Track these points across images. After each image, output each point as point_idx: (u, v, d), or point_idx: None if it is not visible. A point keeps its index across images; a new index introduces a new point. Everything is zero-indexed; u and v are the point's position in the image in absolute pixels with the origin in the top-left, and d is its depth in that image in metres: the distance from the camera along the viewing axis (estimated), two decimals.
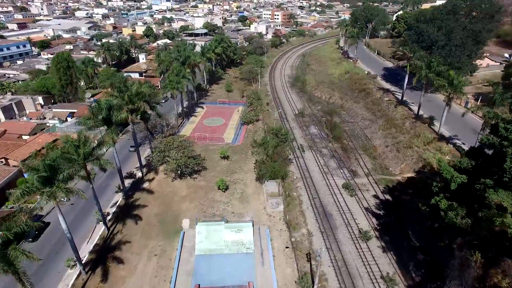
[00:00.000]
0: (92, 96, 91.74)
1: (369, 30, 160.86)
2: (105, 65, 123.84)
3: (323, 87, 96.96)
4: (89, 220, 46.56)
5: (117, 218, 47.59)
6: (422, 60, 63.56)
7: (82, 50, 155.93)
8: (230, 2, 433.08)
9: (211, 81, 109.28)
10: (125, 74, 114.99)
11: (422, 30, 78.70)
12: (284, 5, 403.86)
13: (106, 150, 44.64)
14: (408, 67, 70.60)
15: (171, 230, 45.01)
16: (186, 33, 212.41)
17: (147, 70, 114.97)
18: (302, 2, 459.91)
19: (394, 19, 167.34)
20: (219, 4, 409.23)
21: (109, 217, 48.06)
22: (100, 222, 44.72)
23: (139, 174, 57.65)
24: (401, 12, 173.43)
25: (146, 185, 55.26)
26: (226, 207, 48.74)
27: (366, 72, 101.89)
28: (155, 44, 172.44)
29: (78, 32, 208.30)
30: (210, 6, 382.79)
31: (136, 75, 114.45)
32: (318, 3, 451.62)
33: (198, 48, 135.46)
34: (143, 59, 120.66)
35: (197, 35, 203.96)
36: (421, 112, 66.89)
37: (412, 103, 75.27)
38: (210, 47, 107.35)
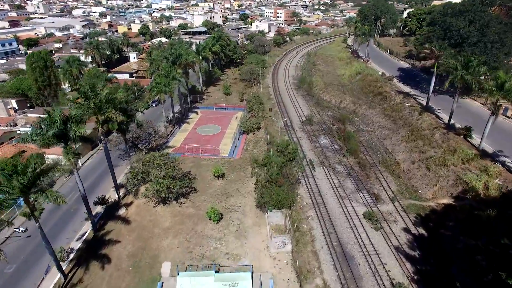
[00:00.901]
0: (74, 100, 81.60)
1: (379, 28, 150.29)
2: (93, 65, 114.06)
3: (332, 89, 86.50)
4: (45, 261, 36.32)
5: (79, 259, 37.41)
6: (456, 59, 53.05)
7: (72, 49, 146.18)
8: (232, 1, 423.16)
9: (207, 83, 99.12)
10: (113, 75, 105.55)
11: (450, 25, 68.18)
12: (286, 4, 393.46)
13: (60, 176, 34.45)
14: (435, 68, 60.11)
15: (146, 279, 34.76)
16: (185, 31, 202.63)
17: (138, 70, 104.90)
18: (305, 1, 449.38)
19: (405, 17, 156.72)
20: (220, 3, 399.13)
21: (72, 255, 38.00)
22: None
23: (115, 197, 47.54)
24: (412, 9, 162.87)
25: (122, 211, 45.08)
26: (218, 245, 38.41)
27: (380, 73, 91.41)
28: (150, 43, 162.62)
29: (71, 31, 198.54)
30: (211, 4, 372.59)
31: (126, 76, 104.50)
32: (322, 2, 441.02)
33: (194, 47, 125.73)
34: (134, 58, 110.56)
35: (195, 33, 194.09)
36: (452, 121, 56.46)
37: (439, 109, 64.83)
38: (206, 45, 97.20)
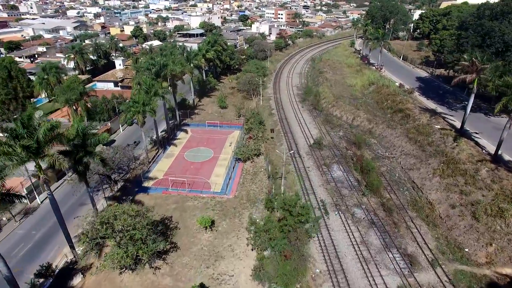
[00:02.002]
0: (45, 115, 70.67)
1: (391, 31, 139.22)
2: (76, 72, 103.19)
3: (343, 103, 75.28)
4: None
5: None
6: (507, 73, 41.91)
7: (58, 53, 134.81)
8: (231, 1, 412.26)
9: (201, 93, 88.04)
10: (95, 84, 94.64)
11: (491, 29, 56.90)
12: (287, 5, 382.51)
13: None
14: (475, 83, 48.92)
15: None
16: (181, 33, 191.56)
17: (124, 78, 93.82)
18: (306, 2, 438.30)
19: (416, 18, 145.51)
20: (219, 3, 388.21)
21: None
22: None
23: (70, 257, 36.49)
24: (423, 9, 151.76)
25: (76, 281, 33.99)
26: None
27: (397, 84, 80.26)
28: (140, 46, 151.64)
29: (61, 32, 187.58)
30: (210, 5, 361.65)
31: (110, 85, 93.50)
32: (324, 3, 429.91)
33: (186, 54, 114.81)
34: (120, 65, 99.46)
35: (192, 35, 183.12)
36: (500, 150, 45.33)
37: (476, 133, 53.72)
38: (199, 51, 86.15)
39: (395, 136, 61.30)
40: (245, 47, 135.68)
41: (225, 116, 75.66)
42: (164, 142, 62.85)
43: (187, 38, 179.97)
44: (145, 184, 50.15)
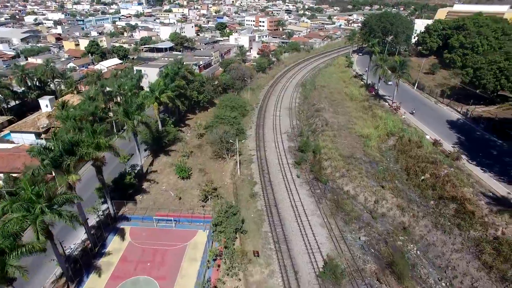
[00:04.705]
0: None
1: (401, 46, 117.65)
2: None
3: (356, 173, 51.74)
4: None
5: None
6: None
7: None
8: (209, 6, 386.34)
9: (156, 150, 62.93)
10: (11, 135, 68.13)
11: None
12: (269, 9, 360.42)
13: None
14: None
15: None
16: (147, 47, 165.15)
17: (49, 127, 67.37)
18: (288, 6, 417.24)
19: (421, 31, 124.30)
20: (196, 8, 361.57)
21: None
22: None
23: None
24: (430, 21, 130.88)
25: None
26: None
27: (429, 138, 57.45)
28: (97, 67, 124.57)
29: (1, 47, 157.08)
30: (186, 10, 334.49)
31: (31, 137, 67.02)
32: (307, 7, 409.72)
33: (148, 79, 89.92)
34: (46, 106, 72.80)
35: (160, 50, 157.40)
36: None
37: None
38: (151, 92, 61.26)
39: (452, 248, 38.13)
40: (220, 71, 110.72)
41: (186, 195, 50.89)
42: (78, 268, 37.64)
43: (154, 54, 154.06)
44: None
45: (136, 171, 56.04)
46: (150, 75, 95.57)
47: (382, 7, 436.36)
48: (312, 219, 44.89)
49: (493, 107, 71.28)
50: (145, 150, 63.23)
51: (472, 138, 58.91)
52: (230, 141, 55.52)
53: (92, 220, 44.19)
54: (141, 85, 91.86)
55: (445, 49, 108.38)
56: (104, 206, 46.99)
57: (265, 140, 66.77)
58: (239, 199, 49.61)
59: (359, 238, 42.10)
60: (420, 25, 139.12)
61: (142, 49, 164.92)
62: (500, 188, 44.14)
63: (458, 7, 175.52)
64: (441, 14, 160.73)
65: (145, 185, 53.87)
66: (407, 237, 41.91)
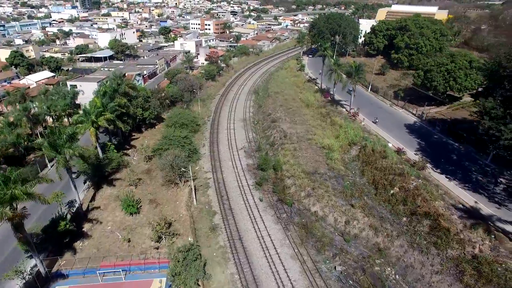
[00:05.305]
0: None
1: (348, 47, 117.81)
2: None
3: (322, 190, 48.27)
4: None
5: None
6: None
7: None
8: (151, 9, 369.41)
9: (97, 182, 54.46)
10: None
11: None
12: (214, 11, 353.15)
13: None
14: None
15: None
16: (84, 56, 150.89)
17: None
18: (233, 7, 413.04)
19: (367, 32, 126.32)
20: (138, 12, 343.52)
21: None
22: None
23: None
24: (374, 21, 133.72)
25: None
26: None
27: (395, 148, 55.69)
28: (24, 81, 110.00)
29: None
30: (126, 14, 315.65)
31: None
32: (252, 8, 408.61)
33: (87, 95, 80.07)
34: None
35: (98, 59, 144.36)
36: None
37: None
38: (86, 116, 52.89)
39: (432, 270, 35.72)
40: (166, 83, 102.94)
41: (136, 236, 43.79)
42: None
43: (92, 64, 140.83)
44: None
45: (74, 211, 47.58)
46: (87, 90, 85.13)
47: (324, 6, 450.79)
48: (281, 251, 40.29)
49: (443, 108, 72.34)
50: (85, 182, 54.54)
51: (431, 142, 58.34)
52: (183, 169, 49.12)
53: (15, 287, 35.58)
54: (77, 102, 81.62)
55: (391, 49, 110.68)
56: (33, 262, 38.50)
57: (221, 159, 61.12)
58: (198, 234, 43.64)
59: (335, 268, 38.31)
60: (365, 25, 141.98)
61: (78, 59, 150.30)
62: (467, 197, 43.02)
63: (395, 8, 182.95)
64: (381, 14, 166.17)
65: (86, 227, 45.80)
66: (383, 259, 39.00)
